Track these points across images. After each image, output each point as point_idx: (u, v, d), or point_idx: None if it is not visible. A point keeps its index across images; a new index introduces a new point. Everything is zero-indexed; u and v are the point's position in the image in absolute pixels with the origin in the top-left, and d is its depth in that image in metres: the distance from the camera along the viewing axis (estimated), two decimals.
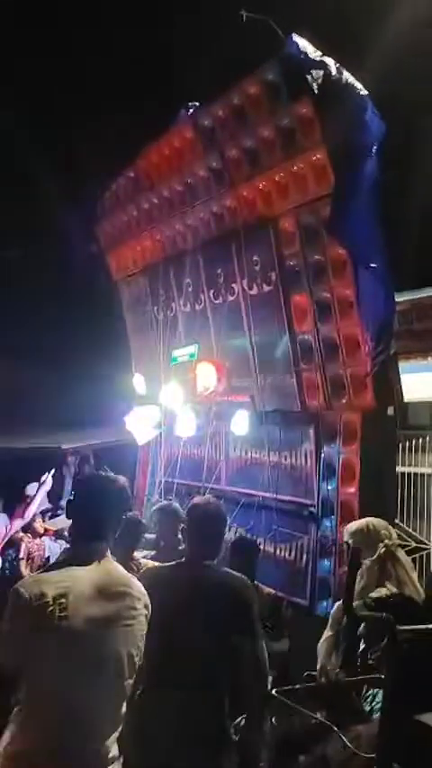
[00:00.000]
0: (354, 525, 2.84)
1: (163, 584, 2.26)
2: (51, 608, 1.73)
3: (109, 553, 1.96)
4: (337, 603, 2.48)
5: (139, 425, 5.88)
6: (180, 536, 3.37)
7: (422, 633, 1.04)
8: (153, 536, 4.43)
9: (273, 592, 3.96)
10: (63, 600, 1.76)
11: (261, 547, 4.77)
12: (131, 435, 6.05)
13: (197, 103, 4.87)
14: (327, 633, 2.36)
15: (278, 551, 4.70)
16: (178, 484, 5.70)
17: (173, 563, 2.59)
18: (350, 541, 2.74)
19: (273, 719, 1.10)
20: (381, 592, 2.11)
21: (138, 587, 1.96)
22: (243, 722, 1.86)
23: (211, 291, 5.31)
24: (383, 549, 2.61)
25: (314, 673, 1.17)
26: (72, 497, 2.08)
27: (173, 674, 2.12)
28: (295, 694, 1.12)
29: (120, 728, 1.83)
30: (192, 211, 5.32)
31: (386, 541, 2.65)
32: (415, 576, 2.52)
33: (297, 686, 1.15)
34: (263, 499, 4.92)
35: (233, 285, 5.05)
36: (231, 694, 2.02)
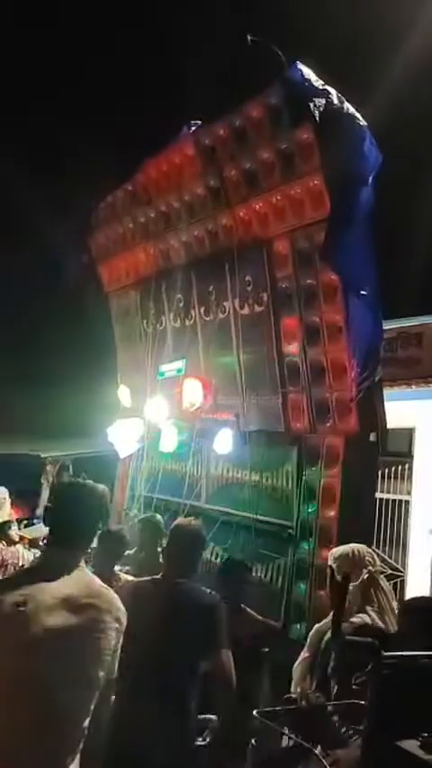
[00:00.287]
0: (339, 550, 2.85)
1: (140, 599, 2.50)
2: (7, 614, 1.68)
3: (83, 563, 1.91)
4: (316, 626, 2.48)
5: (122, 438, 5.84)
6: (160, 549, 3.63)
7: (405, 660, 1.04)
8: (133, 550, 4.40)
9: (263, 620, 3.89)
10: (22, 608, 1.70)
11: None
12: (113, 447, 6.00)
13: (199, 122, 4.94)
14: (303, 655, 2.34)
15: (254, 572, 4.67)
16: (157, 499, 5.65)
17: (149, 578, 2.83)
18: (334, 565, 2.73)
19: (254, 741, 1.08)
20: (362, 618, 2.12)
21: (108, 599, 1.88)
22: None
23: (202, 308, 5.33)
24: (367, 575, 2.61)
25: (294, 695, 1.17)
26: (49, 504, 2.06)
27: (145, 681, 2.30)
28: (275, 716, 1.10)
29: (80, 746, 1.73)
30: (187, 228, 5.36)
31: (370, 567, 2.64)
32: (395, 604, 2.51)
33: (278, 708, 1.14)
34: (242, 519, 4.89)
35: (224, 303, 5.08)
36: (203, 700, 2.26)
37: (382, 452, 4.75)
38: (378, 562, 2.81)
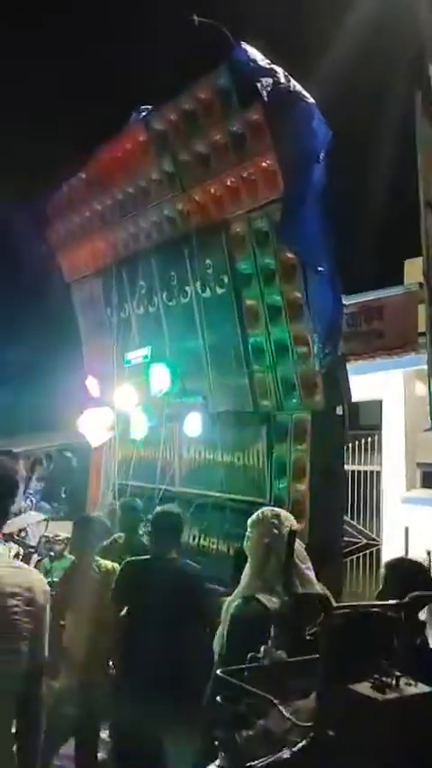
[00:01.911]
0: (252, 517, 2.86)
1: (142, 574, 3.27)
2: None
3: None
4: (227, 600, 2.59)
5: (93, 428, 5.84)
6: (141, 532, 4.07)
7: (355, 609, 1.10)
8: (111, 538, 4.47)
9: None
10: None
11: (215, 546, 4.89)
12: (84, 438, 6.00)
13: (149, 107, 4.91)
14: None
15: (231, 550, 4.76)
16: (132, 486, 5.69)
17: (144, 557, 3.52)
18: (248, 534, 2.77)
19: (218, 698, 1.15)
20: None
21: (15, 579, 1.73)
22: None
23: (164, 294, 5.34)
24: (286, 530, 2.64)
25: (259, 654, 1.23)
26: None
27: (146, 636, 2.97)
28: (239, 674, 1.17)
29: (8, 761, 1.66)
30: (144, 214, 5.34)
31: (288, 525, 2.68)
32: (309, 563, 2.57)
33: (242, 666, 1.20)
34: (216, 499, 4.97)
35: (186, 288, 5.10)
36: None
37: (349, 425, 4.87)
38: (294, 522, 2.84)
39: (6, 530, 5.78)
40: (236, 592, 2.51)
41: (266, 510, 2.78)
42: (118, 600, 3.36)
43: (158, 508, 3.84)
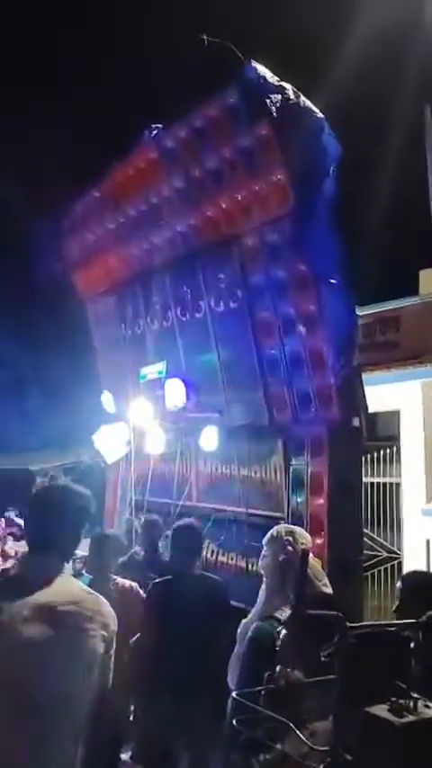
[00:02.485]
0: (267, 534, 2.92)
1: (167, 593, 3.27)
2: None
3: (67, 570, 1.85)
4: (243, 621, 2.56)
5: (108, 444, 5.86)
6: (160, 547, 4.12)
7: (370, 629, 1.08)
8: (127, 555, 4.48)
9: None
10: None
11: (234, 562, 4.85)
12: (100, 454, 6.02)
13: (160, 125, 4.98)
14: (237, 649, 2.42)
15: (250, 566, 4.72)
16: (149, 502, 5.69)
17: (167, 577, 3.47)
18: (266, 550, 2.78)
19: (234, 722, 1.13)
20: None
21: (92, 606, 1.77)
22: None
23: (179, 309, 5.37)
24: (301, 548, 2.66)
25: (275, 674, 1.21)
26: (29, 509, 1.93)
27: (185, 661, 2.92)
28: (256, 696, 1.15)
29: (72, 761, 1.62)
30: (157, 230, 5.40)
31: (303, 542, 2.69)
32: (326, 580, 2.55)
33: (258, 688, 1.18)
34: (233, 514, 4.94)
35: (200, 302, 5.12)
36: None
37: (367, 437, 4.83)
38: (307, 536, 2.89)
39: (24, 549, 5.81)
40: (252, 612, 2.48)
41: (281, 527, 2.77)
42: (148, 623, 3.32)
43: (177, 522, 3.92)
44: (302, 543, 2.51)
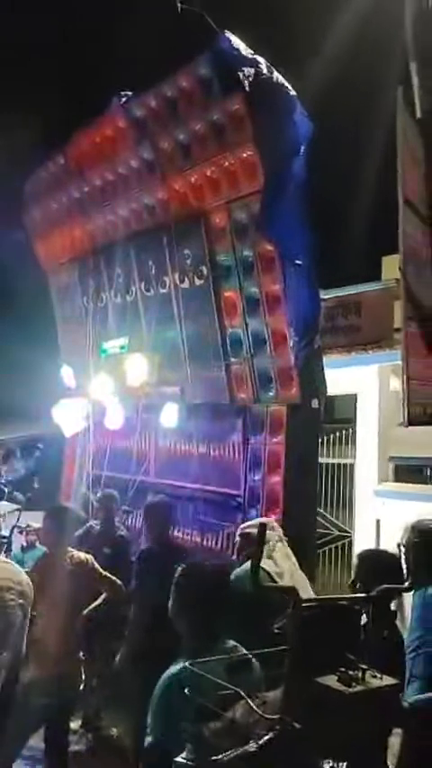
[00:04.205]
0: (249, 522, 3.08)
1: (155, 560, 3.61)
2: None
3: None
4: None
5: (67, 417, 5.77)
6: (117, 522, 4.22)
7: (321, 603, 1.11)
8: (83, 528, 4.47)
9: None
10: None
11: (189, 538, 4.91)
12: (59, 428, 5.93)
13: (129, 93, 4.83)
14: None
15: (204, 541, 4.78)
16: (106, 476, 5.65)
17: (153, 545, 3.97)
18: (248, 531, 2.95)
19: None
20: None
21: (8, 574, 1.77)
22: None
23: (143, 283, 5.29)
24: (276, 537, 2.90)
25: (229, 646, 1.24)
26: None
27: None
28: (207, 668, 1.17)
29: None
30: (123, 202, 5.28)
31: (278, 533, 2.85)
32: (293, 563, 2.77)
33: (211, 659, 1.20)
34: (190, 491, 4.97)
35: (164, 278, 5.05)
36: None
37: (325, 419, 4.91)
38: (280, 530, 3.08)
39: None
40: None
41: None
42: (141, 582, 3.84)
43: (151, 499, 4.39)
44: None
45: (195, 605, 1.80)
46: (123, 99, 4.88)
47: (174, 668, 1.69)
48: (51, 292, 6.60)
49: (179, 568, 1.96)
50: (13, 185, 6.44)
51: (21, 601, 1.75)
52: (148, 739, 1.58)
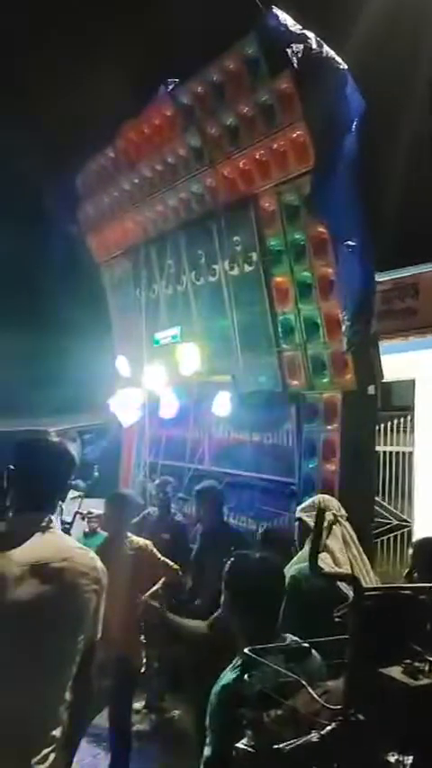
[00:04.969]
0: (305, 502, 2.98)
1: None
2: None
3: (55, 525, 1.80)
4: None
5: (123, 408, 5.87)
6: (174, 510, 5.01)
7: (385, 592, 1.06)
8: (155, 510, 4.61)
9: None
10: None
11: (245, 525, 4.90)
12: (116, 418, 6.04)
13: (176, 80, 4.80)
14: None
15: (259, 528, 4.76)
16: (163, 464, 5.72)
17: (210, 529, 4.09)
18: (302, 516, 2.86)
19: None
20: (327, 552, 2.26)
21: (84, 561, 1.76)
22: None
23: (193, 273, 5.29)
24: (331, 516, 2.73)
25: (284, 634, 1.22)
26: (14, 464, 1.84)
27: None
28: (268, 653, 1.14)
29: (61, 713, 1.65)
30: (172, 191, 5.27)
31: (333, 511, 2.76)
32: (359, 549, 2.65)
33: (270, 645, 1.18)
34: (245, 478, 4.96)
35: (214, 266, 5.03)
36: None
37: (382, 406, 4.77)
38: (343, 511, 2.93)
39: None
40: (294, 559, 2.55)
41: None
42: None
43: (202, 483, 4.35)
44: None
45: (246, 604, 1.74)
46: (170, 87, 4.86)
47: (228, 676, 1.64)
48: (105, 285, 6.71)
49: (226, 564, 1.89)
50: (67, 181, 6.56)
51: (95, 587, 1.76)
52: (207, 751, 1.57)
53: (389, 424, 7.51)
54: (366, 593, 1.04)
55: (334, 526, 2.66)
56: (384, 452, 7.45)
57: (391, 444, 7.65)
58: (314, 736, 0.96)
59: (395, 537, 7.54)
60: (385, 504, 7.57)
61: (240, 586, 1.81)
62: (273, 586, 1.77)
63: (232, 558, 1.90)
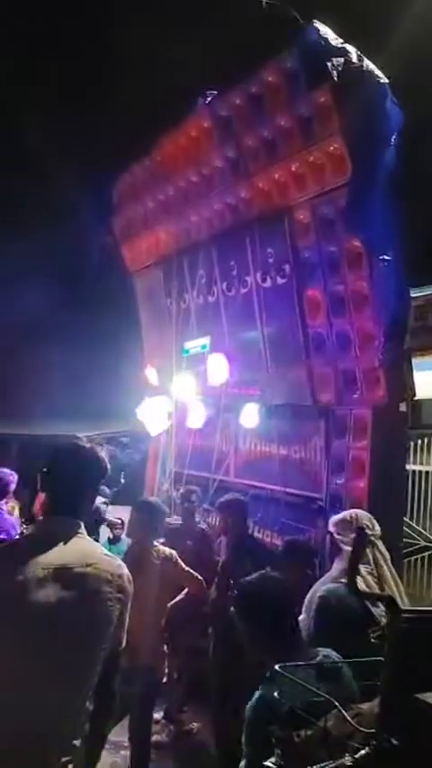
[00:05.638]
0: (338, 516, 2.91)
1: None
2: None
3: (84, 530, 1.79)
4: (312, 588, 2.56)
5: (151, 416, 5.88)
6: (198, 519, 4.96)
7: (422, 614, 1.02)
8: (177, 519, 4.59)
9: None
10: (7, 584, 1.60)
11: (269, 539, 4.84)
12: (143, 426, 6.06)
13: (215, 92, 4.85)
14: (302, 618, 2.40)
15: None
16: (188, 474, 5.71)
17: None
18: (333, 530, 2.80)
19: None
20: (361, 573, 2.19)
21: (108, 568, 1.74)
22: None
23: (224, 283, 5.30)
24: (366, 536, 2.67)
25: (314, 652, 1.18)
26: (47, 468, 1.85)
27: None
28: (300, 671, 1.11)
29: (78, 732, 1.62)
30: (207, 202, 5.31)
31: (367, 530, 2.69)
32: (392, 569, 2.55)
33: (301, 663, 1.14)
34: (271, 492, 4.90)
35: (246, 278, 5.03)
36: None
37: (414, 425, 4.68)
38: (377, 527, 2.82)
39: None
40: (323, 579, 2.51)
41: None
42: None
43: (225, 496, 4.34)
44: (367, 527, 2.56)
45: (265, 633, 1.72)
46: (208, 98, 4.90)
47: (261, 691, 1.57)
48: (136, 294, 6.76)
49: (235, 594, 1.91)
50: (102, 191, 6.66)
51: (119, 595, 1.74)
52: (242, 765, 1.53)
53: (419, 442, 7.36)
54: (403, 615, 1.00)
55: (377, 542, 2.61)
56: (414, 471, 7.29)
57: (421, 464, 7.48)
58: (348, 760, 0.92)
59: (423, 558, 7.35)
60: (413, 524, 7.39)
61: (246, 606, 1.85)
62: (276, 598, 1.77)
63: (240, 588, 1.93)
